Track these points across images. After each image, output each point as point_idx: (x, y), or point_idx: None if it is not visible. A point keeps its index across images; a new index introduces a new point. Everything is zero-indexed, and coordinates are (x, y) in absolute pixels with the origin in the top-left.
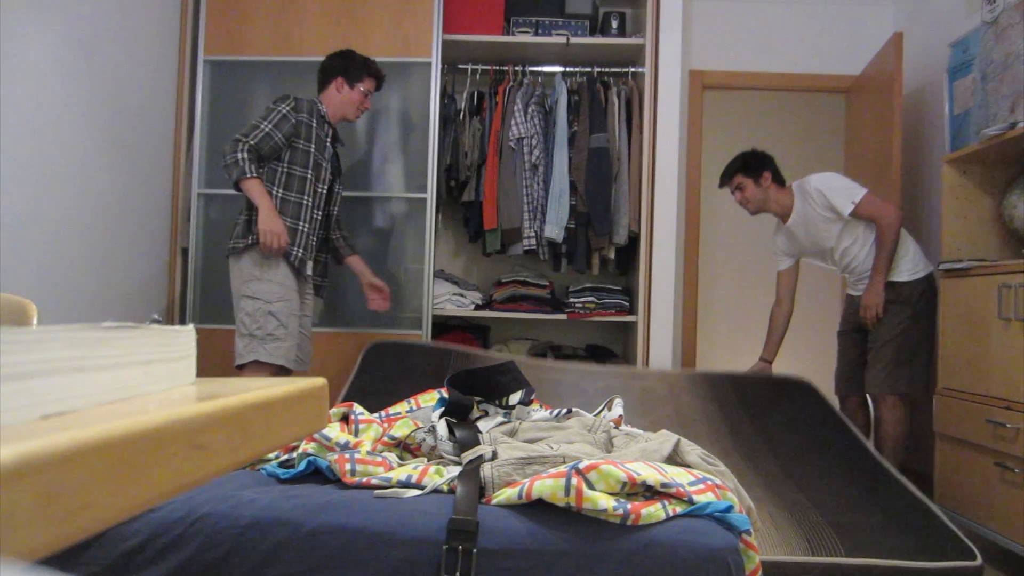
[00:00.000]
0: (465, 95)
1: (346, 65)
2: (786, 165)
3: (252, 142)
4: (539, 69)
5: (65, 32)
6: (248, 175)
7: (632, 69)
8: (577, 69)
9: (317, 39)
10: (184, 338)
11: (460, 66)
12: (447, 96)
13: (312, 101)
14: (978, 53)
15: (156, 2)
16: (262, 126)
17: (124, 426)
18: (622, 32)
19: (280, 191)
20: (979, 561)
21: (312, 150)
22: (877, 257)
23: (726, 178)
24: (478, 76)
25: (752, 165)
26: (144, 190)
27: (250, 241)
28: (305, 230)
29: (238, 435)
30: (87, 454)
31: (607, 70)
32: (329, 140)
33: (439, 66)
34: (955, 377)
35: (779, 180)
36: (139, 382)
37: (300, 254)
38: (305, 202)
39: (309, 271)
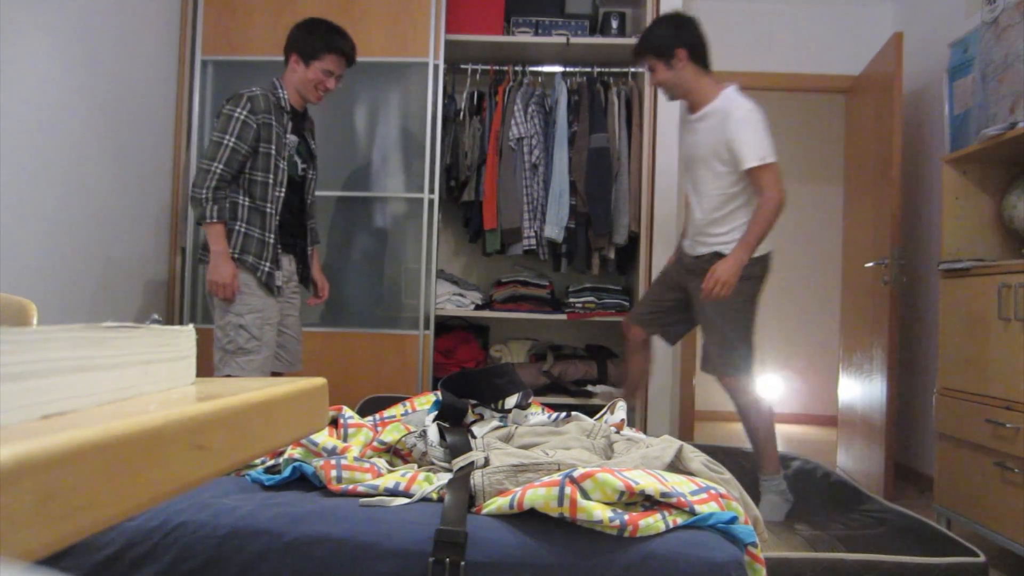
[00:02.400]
0: (465, 95)
1: (302, 39)
2: (786, 165)
3: (220, 168)
4: (539, 69)
5: (64, 32)
6: (209, 219)
7: (632, 69)
8: (577, 69)
9: None
10: (184, 338)
11: (460, 66)
12: (447, 96)
13: (268, 90)
14: (978, 53)
15: (155, 2)
16: (225, 141)
17: (124, 426)
18: (622, 32)
19: (246, 200)
20: (983, 558)
21: (272, 152)
22: (750, 230)
23: (636, 55)
24: (478, 76)
25: (662, 43)
26: (144, 190)
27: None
28: (271, 241)
29: (238, 435)
30: (87, 454)
31: (607, 70)
32: (288, 131)
33: (437, 66)
34: (955, 377)
35: (701, 61)
36: (139, 382)
37: (267, 268)
38: (268, 210)
39: (278, 282)
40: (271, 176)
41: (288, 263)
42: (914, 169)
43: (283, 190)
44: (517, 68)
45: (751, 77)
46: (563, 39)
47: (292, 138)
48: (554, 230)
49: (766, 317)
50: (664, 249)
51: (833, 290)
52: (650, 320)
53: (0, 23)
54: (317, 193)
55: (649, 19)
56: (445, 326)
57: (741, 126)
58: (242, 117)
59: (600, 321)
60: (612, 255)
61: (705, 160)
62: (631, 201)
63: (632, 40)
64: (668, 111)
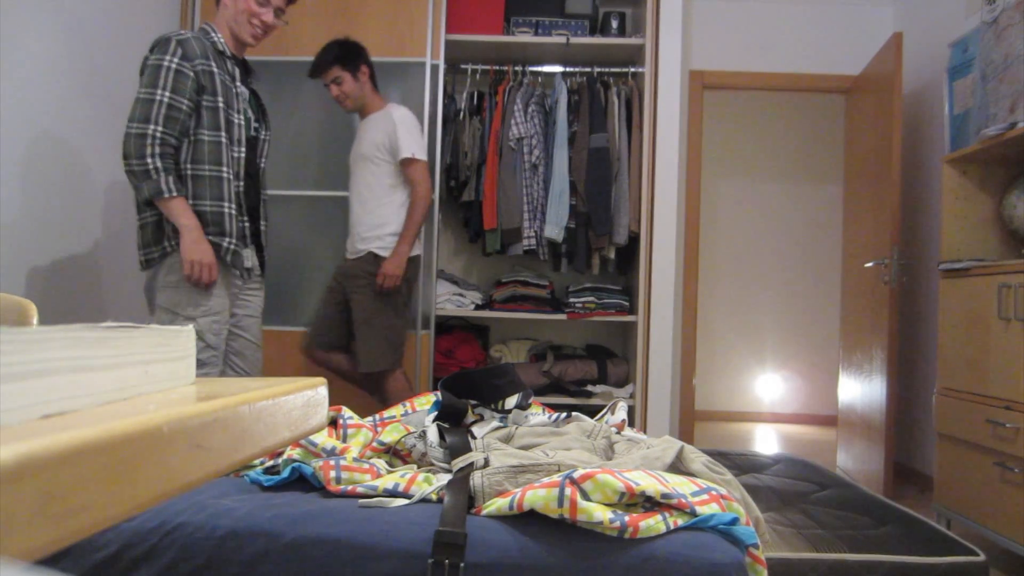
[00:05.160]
0: (465, 95)
1: None
2: (786, 165)
3: (159, 132)
4: (539, 69)
5: (62, 32)
6: (167, 194)
7: (632, 69)
8: (577, 69)
9: (311, 39)
10: (184, 338)
11: (460, 66)
12: (447, 96)
13: (201, 33)
14: (978, 53)
15: (154, 2)
16: (158, 97)
17: (124, 426)
18: (622, 32)
19: (190, 167)
20: (983, 557)
21: (220, 104)
22: (407, 227)
23: (321, 70)
24: (478, 76)
25: (350, 57)
26: None
27: (167, 249)
28: (232, 212)
29: (238, 435)
30: (87, 454)
31: (607, 70)
32: (236, 79)
33: (435, 66)
34: (955, 377)
35: (375, 81)
36: (139, 382)
37: (232, 245)
38: (225, 175)
39: (248, 263)
40: (223, 134)
41: (252, 254)
42: (914, 169)
43: (243, 151)
44: (517, 68)
45: (752, 77)
46: (563, 39)
47: (242, 89)
48: (554, 230)
49: (767, 317)
50: (664, 249)
51: (833, 290)
52: (329, 342)
53: None
54: (323, 193)
55: (649, 19)
56: (445, 326)
57: (401, 123)
58: (174, 65)
59: (600, 321)
60: (612, 255)
61: (369, 156)
62: (631, 201)
63: (633, 40)
64: (668, 111)
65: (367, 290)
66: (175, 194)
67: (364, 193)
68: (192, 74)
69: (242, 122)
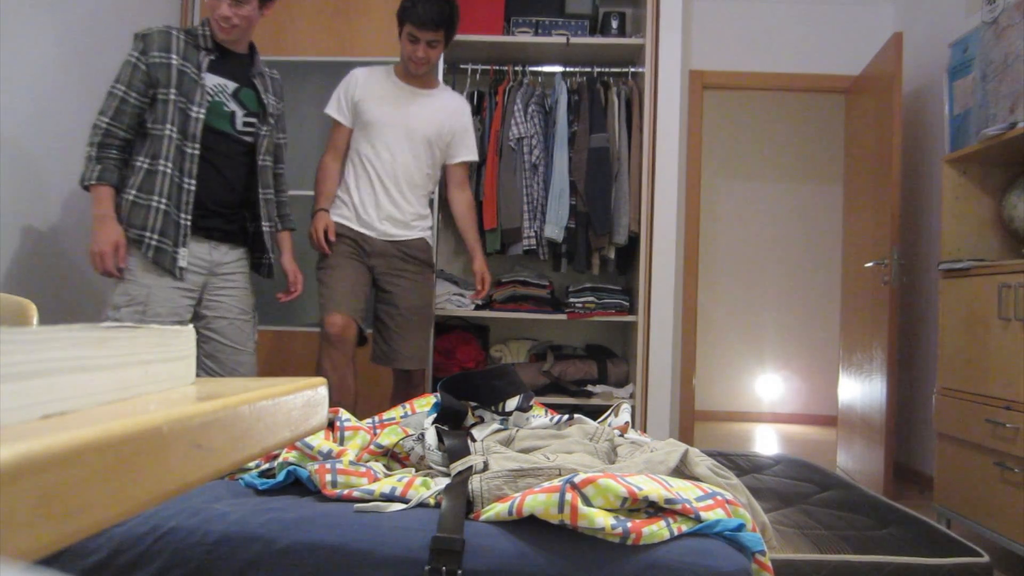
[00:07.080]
0: (465, 95)
1: None
2: (786, 165)
3: (105, 123)
4: (539, 69)
5: (63, 31)
6: (89, 181)
7: (632, 69)
8: (577, 69)
9: (310, 39)
10: (184, 338)
11: (460, 66)
12: None
13: (185, 27)
14: (978, 53)
15: (154, 1)
16: (116, 91)
17: (124, 426)
18: (622, 32)
19: (145, 161)
20: (987, 558)
21: (172, 96)
22: (473, 230)
23: (432, 25)
24: (478, 76)
25: (454, 27)
26: None
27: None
28: (162, 207)
29: (238, 435)
30: (87, 454)
31: (607, 70)
32: (204, 70)
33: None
34: (955, 377)
35: None
36: (139, 382)
37: (154, 241)
38: (161, 169)
39: (182, 262)
40: (171, 127)
41: (219, 251)
42: (914, 169)
43: (196, 146)
44: (517, 68)
45: (752, 77)
46: (563, 39)
47: (212, 78)
48: (554, 230)
49: (767, 317)
50: (664, 249)
51: (833, 290)
52: (363, 311)
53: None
54: None
55: (649, 19)
56: (445, 326)
57: (471, 122)
58: (132, 60)
59: (600, 321)
60: (612, 255)
61: (433, 139)
62: (631, 201)
63: (633, 40)
64: (668, 111)
65: (420, 278)
66: (94, 181)
67: (416, 177)
68: (144, 67)
69: (201, 116)
